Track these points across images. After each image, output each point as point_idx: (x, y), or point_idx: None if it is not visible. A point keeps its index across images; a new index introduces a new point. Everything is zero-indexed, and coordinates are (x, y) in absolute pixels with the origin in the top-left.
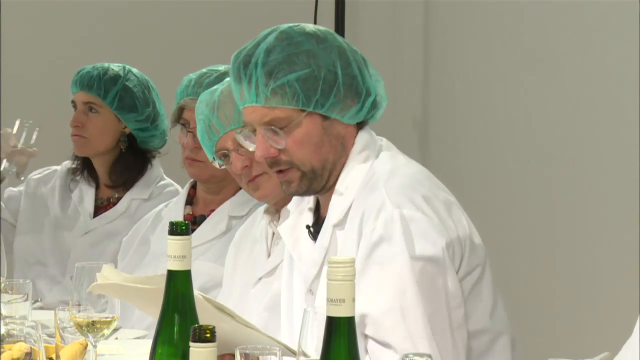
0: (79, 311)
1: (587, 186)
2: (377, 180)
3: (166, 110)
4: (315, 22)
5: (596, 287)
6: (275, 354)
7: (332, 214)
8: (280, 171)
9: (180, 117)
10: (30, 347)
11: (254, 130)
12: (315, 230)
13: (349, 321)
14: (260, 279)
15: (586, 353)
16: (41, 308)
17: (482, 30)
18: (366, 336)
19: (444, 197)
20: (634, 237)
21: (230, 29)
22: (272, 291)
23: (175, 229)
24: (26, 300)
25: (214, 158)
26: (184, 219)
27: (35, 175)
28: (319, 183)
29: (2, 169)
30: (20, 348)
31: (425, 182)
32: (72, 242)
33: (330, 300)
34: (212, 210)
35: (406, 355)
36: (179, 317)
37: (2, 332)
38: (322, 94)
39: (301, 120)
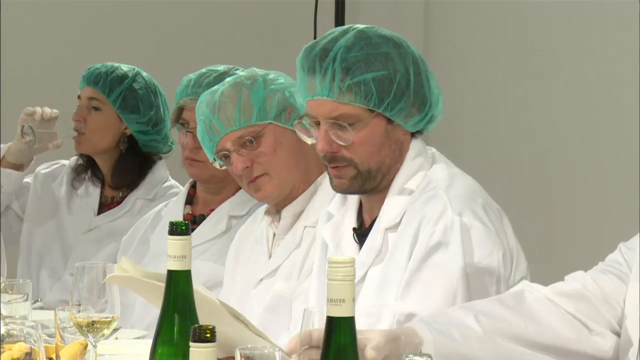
0: (79, 311)
1: (587, 185)
2: (437, 187)
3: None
4: (315, 22)
5: None
6: (275, 356)
7: (385, 217)
8: (335, 167)
9: (180, 117)
10: (30, 347)
11: (317, 123)
12: (358, 233)
13: (349, 321)
14: (261, 280)
15: None
16: (41, 308)
17: (482, 29)
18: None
19: (497, 207)
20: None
21: (230, 29)
22: (272, 292)
23: (175, 229)
24: (26, 300)
25: (214, 159)
26: (184, 219)
27: (43, 169)
28: (370, 184)
29: (24, 128)
30: (20, 348)
31: (481, 193)
32: (75, 238)
33: (330, 300)
34: (212, 210)
35: (406, 355)
36: (179, 317)
37: (2, 332)
38: (394, 97)
39: (369, 121)
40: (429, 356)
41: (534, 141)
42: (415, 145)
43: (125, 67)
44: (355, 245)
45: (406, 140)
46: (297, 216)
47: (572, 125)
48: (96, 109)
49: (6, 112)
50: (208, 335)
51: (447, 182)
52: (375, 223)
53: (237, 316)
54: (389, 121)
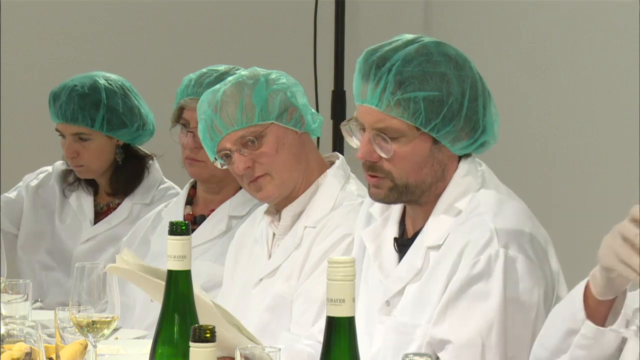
0: (79, 311)
1: (587, 186)
2: (484, 212)
3: (165, 111)
4: (315, 22)
5: None
6: (275, 356)
7: (429, 236)
8: (373, 176)
9: (180, 117)
10: (30, 347)
11: (363, 129)
12: (399, 242)
13: (349, 321)
14: (260, 279)
15: None
16: (41, 308)
17: (482, 30)
18: (437, 358)
19: (543, 236)
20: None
21: (230, 29)
22: (273, 292)
23: (175, 229)
24: (26, 300)
25: (215, 158)
26: (184, 219)
27: (32, 181)
28: (407, 197)
29: None
30: (20, 348)
31: (528, 221)
32: (74, 247)
33: (330, 300)
34: (212, 210)
35: (406, 355)
36: (179, 317)
37: (2, 332)
38: (443, 120)
39: (413, 138)
40: (429, 356)
41: (534, 141)
42: (464, 166)
43: (86, 86)
44: (395, 255)
45: (451, 162)
46: (297, 216)
47: (572, 125)
48: (84, 140)
49: (6, 111)
50: (208, 335)
51: (495, 209)
52: (418, 238)
53: (230, 320)
54: (435, 141)
